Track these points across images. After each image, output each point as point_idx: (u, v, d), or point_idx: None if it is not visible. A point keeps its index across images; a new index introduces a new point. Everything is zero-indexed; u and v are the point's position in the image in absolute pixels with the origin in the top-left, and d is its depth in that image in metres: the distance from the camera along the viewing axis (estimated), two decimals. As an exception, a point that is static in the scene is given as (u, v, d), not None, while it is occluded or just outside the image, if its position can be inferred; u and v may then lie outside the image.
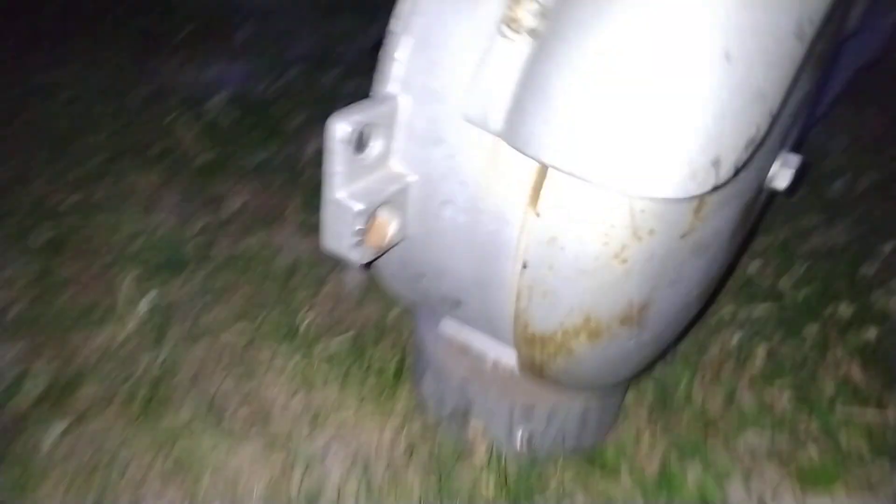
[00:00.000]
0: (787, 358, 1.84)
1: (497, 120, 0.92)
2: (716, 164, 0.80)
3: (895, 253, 2.19)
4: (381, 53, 1.02)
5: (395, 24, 1.00)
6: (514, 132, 0.89)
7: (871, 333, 1.87)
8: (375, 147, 1.02)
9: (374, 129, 1.00)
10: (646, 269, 0.97)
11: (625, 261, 0.95)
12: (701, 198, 0.93)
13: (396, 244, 1.13)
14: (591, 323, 1.03)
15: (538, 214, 0.96)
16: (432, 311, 1.32)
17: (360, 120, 0.97)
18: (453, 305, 1.20)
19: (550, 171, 0.93)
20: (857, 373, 1.81)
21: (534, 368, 1.18)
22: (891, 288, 2.04)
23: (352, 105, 0.97)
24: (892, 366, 1.82)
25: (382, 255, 1.13)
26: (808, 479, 1.57)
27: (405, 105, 1.01)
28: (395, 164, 1.06)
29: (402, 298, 1.33)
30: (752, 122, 0.81)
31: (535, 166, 0.95)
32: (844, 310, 1.96)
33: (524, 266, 1.01)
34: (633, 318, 1.03)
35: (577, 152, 0.84)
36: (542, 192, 0.94)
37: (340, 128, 0.94)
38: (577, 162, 0.84)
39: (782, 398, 1.75)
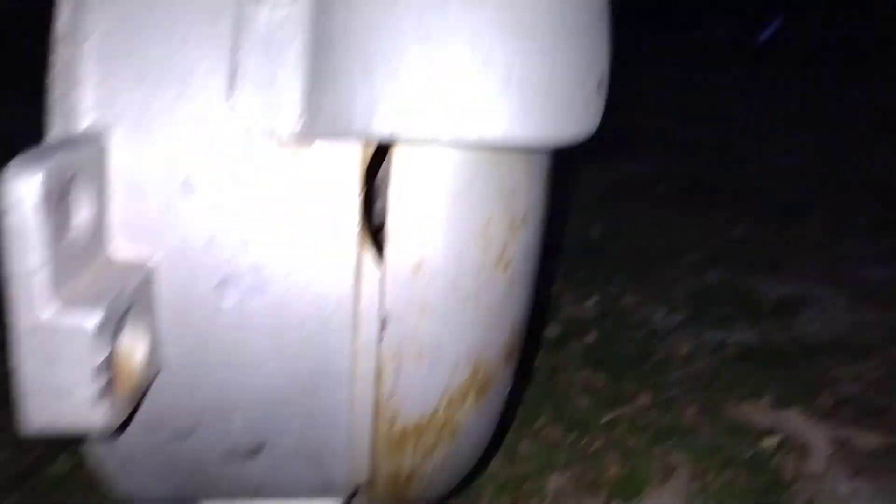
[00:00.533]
0: (540, 392, 1.78)
1: (291, 116, 0.62)
2: (600, 85, 0.64)
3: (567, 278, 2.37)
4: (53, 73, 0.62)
5: (59, 25, 0.62)
6: (335, 119, 0.60)
7: (590, 339, 1.95)
8: (82, 215, 0.60)
9: (76, 186, 0.59)
10: (522, 272, 0.75)
11: (507, 264, 0.71)
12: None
13: (149, 384, 0.69)
14: (479, 372, 0.75)
15: (385, 241, 0.66)
16: None
17: (61, 168, 0.55)
18: (247, 456, 0.78)
19: (394, 168, 0.65)
20: (594, 379, 1.83)
21: (396, 492, 0.83)
22: (574, 301, 2.17)
23: (35, 149, 0.55)
24: (615, 362, 1.89)
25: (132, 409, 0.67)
26: (627, 492, 1.49)
27: (119, 145, 0.62)
28: (121, 244, 0.65)
29: (141, 499, 0.83)
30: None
31: (360, 175, 0.66)
32: (552, 330, 2.01)
33: (383, 325, 0.69)
34: (514, 348, 0.79)
35: (450, 106, 0.59)
36: (389, 205, 0.66)
37: (32, 184, 0.52)
38: (454, 118, 0.59)
39: (554, 430, 1.66)
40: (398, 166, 0.65)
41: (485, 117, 0.59)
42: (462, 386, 0.74)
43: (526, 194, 0.71)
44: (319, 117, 0.61)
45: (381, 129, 0.59)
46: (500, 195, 0.68)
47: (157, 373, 0.70)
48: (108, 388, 0.59)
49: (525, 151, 0.67)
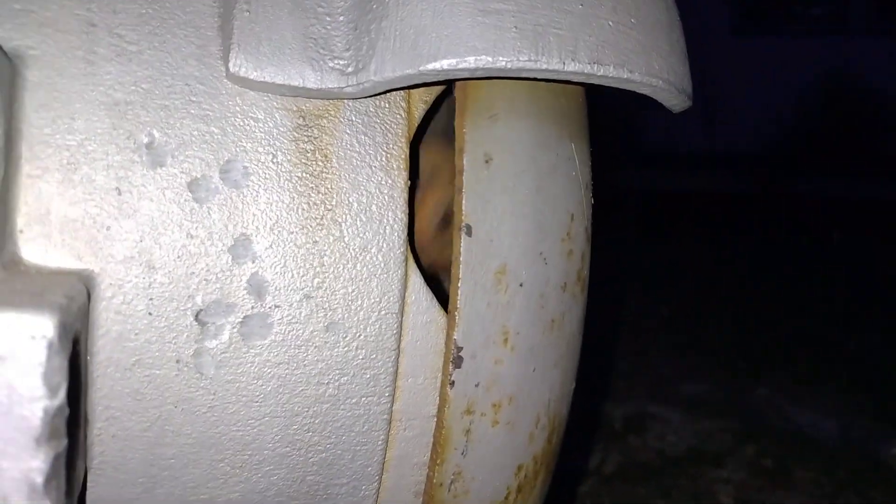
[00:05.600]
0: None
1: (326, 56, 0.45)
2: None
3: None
4: None
5: None
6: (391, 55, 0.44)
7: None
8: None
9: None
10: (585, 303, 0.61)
11: (585, 280, 0.57)
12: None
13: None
14: (554, 433, 0.57)
15: (458, 243, 0.49)
16: None
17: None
18: None
19: (468, 138, 0.49)
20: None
21: None
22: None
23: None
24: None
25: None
26: None
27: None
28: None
29: None
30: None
31: (406, 146, 0.50)
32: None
33: (456, 363, 0.49)
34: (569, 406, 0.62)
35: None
36: (465, 188, 0.49)
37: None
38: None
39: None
40: (472, 135, 0.49)
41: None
42: (538, 456, 0.54)
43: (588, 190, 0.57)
44: (368, 55, 0.44)
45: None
46: (580, 184, 0.54)
47: (82, 477, 0.41)
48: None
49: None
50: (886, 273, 3.58)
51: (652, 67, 0.47)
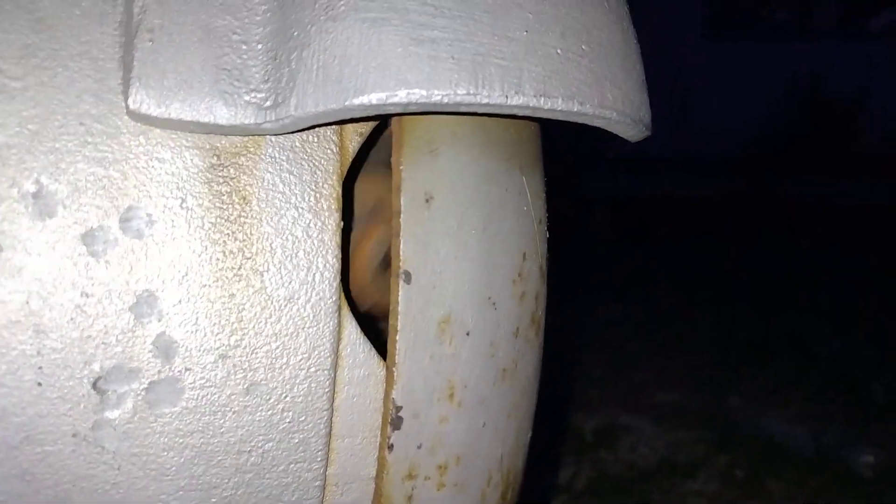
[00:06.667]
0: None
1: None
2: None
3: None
4: None
5: None
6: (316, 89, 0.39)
7: None
8: None
9: None
10: (541, 346, 0.56)
11: (540, 323, 0.53)
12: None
13: None
14: (509, 491, 0.53)
15: (396, 290, 0.44)
16: None
17: None
18: None
19: (405, 177, 0.45)
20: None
21: None
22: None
23: None
24: None
25: None
26: None
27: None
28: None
29: None
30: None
31: (338, 184, 0.45)
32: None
33: (395, 425, 0.45)
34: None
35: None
36: (402, 231, 0.45)
37: None
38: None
39: None
40: (410, 171, 0.44)
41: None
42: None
43: (544, 223, 0.53)
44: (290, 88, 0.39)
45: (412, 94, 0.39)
46: (533, 219, 0.50)
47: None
48: None
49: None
50: (860, 277, 3.60)
51: (605, 98, 0.43)
